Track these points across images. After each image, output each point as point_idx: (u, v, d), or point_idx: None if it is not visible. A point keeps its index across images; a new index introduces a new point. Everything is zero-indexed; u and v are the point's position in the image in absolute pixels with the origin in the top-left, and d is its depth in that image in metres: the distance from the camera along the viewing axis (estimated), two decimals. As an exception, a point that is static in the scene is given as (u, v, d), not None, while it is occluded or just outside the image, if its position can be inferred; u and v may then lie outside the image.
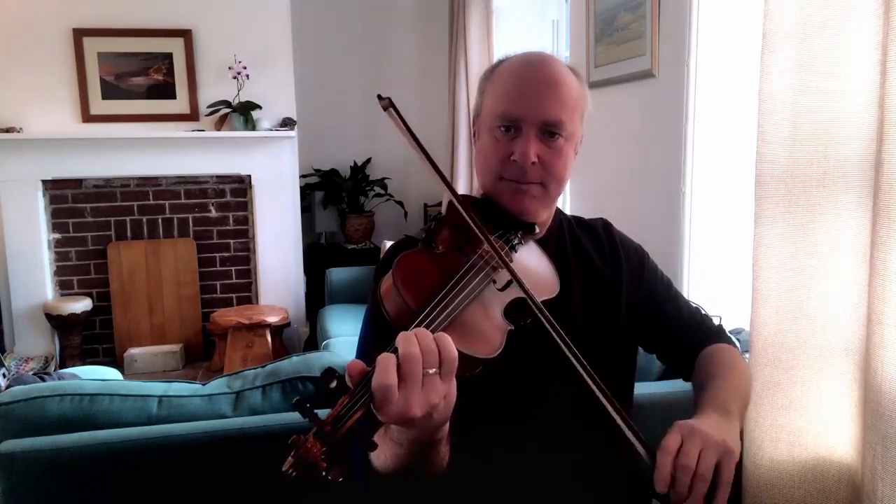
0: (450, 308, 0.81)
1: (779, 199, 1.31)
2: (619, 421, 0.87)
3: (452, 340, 0.76)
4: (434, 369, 0.71)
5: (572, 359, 0.87)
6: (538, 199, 1.03)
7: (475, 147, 1.11)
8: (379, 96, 0.97)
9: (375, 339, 1.02)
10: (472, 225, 0.91)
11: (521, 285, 0.88)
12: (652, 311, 1.16)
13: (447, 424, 0.81)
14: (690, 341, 1.17)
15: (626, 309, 1.11)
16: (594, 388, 0.87)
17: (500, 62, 1.07)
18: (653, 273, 1.19)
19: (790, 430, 1.33)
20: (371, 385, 0.69)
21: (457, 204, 0.94)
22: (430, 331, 0.75)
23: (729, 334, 1.24)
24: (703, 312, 1.23)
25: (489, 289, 0.88)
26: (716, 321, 1.24)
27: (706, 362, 1.12)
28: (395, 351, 0.71)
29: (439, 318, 0.79)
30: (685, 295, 1.26)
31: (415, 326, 0.76)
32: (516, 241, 0.99)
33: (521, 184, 1.01)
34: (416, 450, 0.81)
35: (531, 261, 0.99)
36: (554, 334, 0.87)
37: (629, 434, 0.87)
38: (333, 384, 0.70)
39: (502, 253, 0.90)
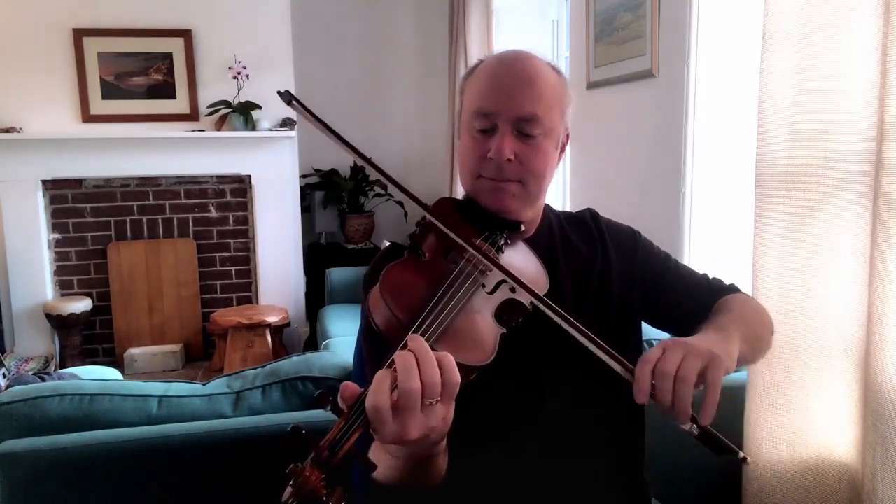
0: (440, 318, 0.79)
1: (779, 199, 1.31)
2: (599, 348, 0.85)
3: (446, 350, 0.74)
4: (436, 399, 0.69)
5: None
6: (518, 196, 1.01)
7: (457, 148, 1.11)
8: (278, 92, 0.95)
9: (369, 352, 1.01)
10: (446, 229, 0.90)
11: (507, 274, 0.87)
12: (655, 286, 1.13)
13: (444, 440, 0.80)
14: (704, 305, 1.11)
15: (620, 297, 1.10)
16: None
17: (480, 62, 1.06)
18: (648, 249, 1.17)
19: (790, 430, 1.33)
20: (365, 406, 0.69)
21: (430, 216, 0.92)
22: None
23: (745, 291, 1.18)
24: (712, 277, 1.18)
25: (479, 294, 0.87)
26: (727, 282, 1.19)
27: (715, 310, 1.08)
28: (392, 365, 0.70)
29: (430, 330, 0.77)
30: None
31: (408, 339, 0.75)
32: (502, 242, 0.97)
33: (499, 181, 1.00)
34: (413, 464, 0.81)
35: (517, 260, 0.98)
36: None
37: (609, 355, 0.85)
38: (328, 408, 0.69)
39: (489, 255, 0.89)
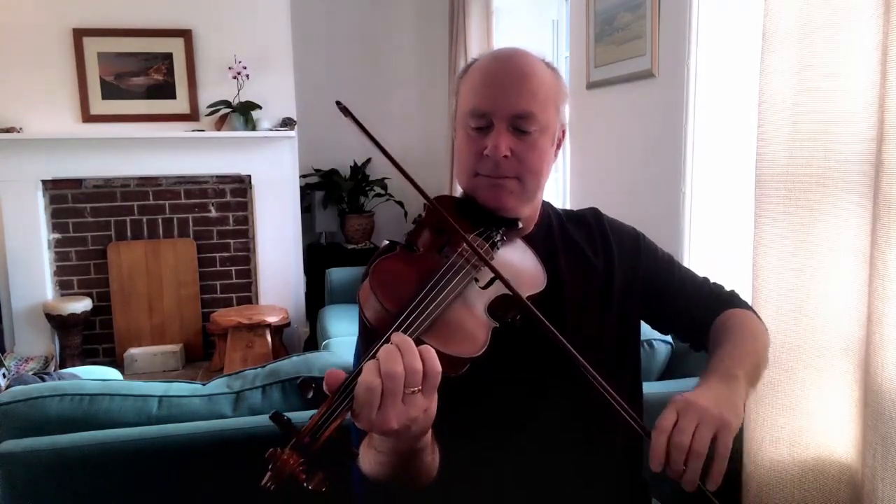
0: (429, 309, 0.79)
1: (779, 199, 1.31)
2: (611, 401, 0.84)
3: (434, 342, 0.75)
4: (417, 388, 0.70)
5: (562, 346, 0.85)
6: (515, 193, 1.02)
7: (454, 147, 1.11)
8: (337, 102, 0.97)
9: (364, 346, 1.02)
10: (449, 219, 0.90)
11: (496, 273, 0.87)
12: (657, 290, 1.13)
13: (429, 434, 0.81)
14: (703, 313, 1.13)
15: (621, 296, 1.10)
16: (586, 374, 0.85)
17: (474, 61, 1.07)
18: (651, 253, 1.17)
19: (790, 430, 1.33)
20: (353, 390, 0.69)
21: (430, 202, 0.93)
22: (410, 334, 0.74)
23: (743, 298, 1.19)
24: (712, 282, 1.19)
25: (471, 287, 0.87)
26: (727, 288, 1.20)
27: (718, 330, 1.08)
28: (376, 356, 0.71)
29: (419, 321, 0.77)
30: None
31: (393, 330, 0.75)
32: (498, 239, 0.97)
33: (496, 178, 1.00)
34: (398, 459, 0.81)
35: (515, 257, 0.98)
36: (540, 325, 0.85)
37: (624, 414, 0.84)
38: (310, 395, 0.70)
39: (482, 251, 0.89)
